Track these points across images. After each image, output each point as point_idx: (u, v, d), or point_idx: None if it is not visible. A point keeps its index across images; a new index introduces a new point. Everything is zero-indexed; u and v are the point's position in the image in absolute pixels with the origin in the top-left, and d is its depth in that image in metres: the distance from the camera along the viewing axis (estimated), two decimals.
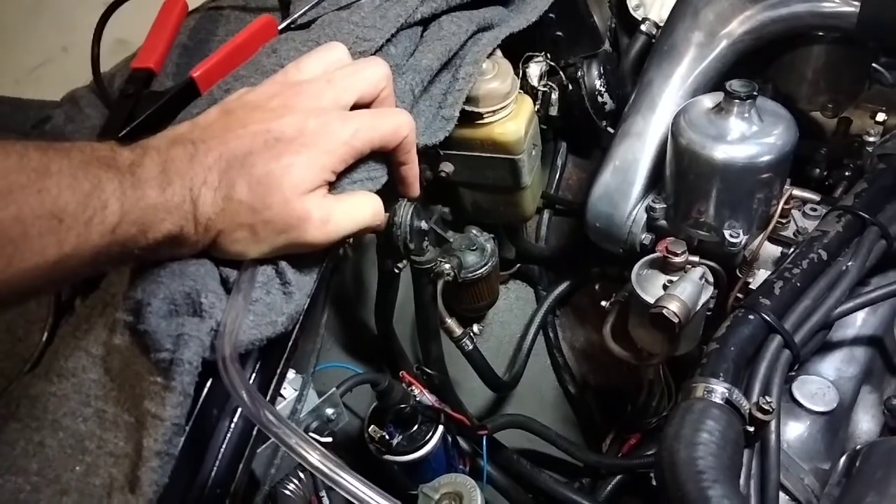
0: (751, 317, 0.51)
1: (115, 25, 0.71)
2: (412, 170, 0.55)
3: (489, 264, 0.82)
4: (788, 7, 0.71)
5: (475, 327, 0.95)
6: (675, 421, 0.44)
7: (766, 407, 0.45)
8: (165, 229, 0.42)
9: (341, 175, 0.50)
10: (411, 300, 0.76)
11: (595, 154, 1.02)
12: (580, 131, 0.97)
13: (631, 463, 0.86)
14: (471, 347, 0.76)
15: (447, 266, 0.73)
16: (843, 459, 0.51)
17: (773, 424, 0.45)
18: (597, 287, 0.97)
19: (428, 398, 0.72)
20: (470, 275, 0.80)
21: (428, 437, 0.71)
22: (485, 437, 0.78)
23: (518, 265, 1.02)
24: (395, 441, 0.70)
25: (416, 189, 0.57)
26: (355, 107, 0.51)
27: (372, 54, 0.59)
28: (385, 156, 0.53)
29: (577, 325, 1.02)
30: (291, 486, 0.56)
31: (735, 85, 0.65)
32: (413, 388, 0.72)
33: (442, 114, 0.62)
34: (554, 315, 1.02)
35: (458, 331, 0.75)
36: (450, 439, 0.75)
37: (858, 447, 0.51)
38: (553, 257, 1.02)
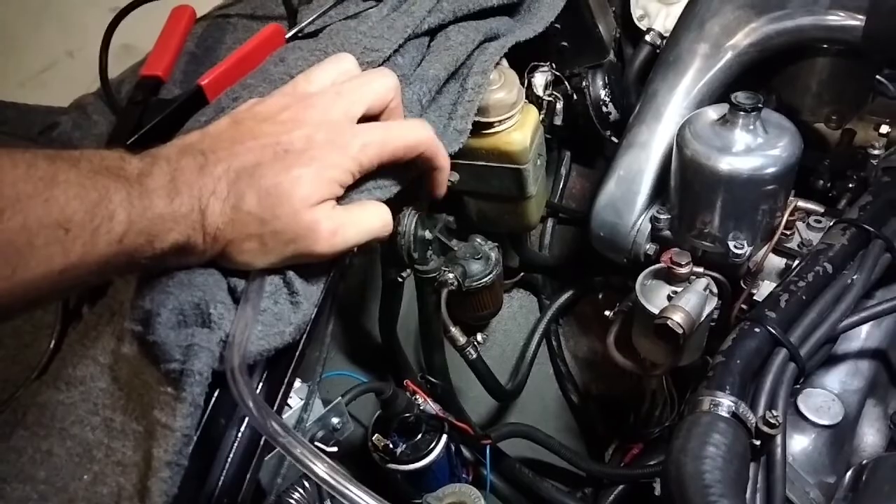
0: (756, 330, 0.51)
1: (121, 30, 0.71)
2: (443, 174, 0.55)
3: (493, 273, 0.82)
4: (793, 20, 0.72)
5: (479, 336, 0.95)
6: (681, 434, 0.44)
7: (773, 421, 0.45)
8: (173, 239, 0.42)
9: (350, 186, 0.50)
10: (415, 309, 0.76)
11: (599, 163, 1.02)
12: (584, 141, 0.97)
13: (633, 473, 0.86)
14: (474, 356, 0.77)
15: (451, 276, 0.73)
16: (849, 473, 0.51)
17: (779, 438, 0.45)
18: (600, 296, 0.97)
19: (432, 407, 0.72)
20: (474, 283, 0.80)
21: (432, 445, 0.71)
22: (488, 447, 0.78)
23: (522, 274, 1.02)
24: (398, 450, 0.70)
25: (442, 190, 0.57)
26: (364, 118, 0.51)
27: (379, 64, 0.59)
28: (406, 165, 0.52)
29: (580, 335, 1.03)
30: (296, 496, 0.56)
31: (740, 97, 0.65)
32: (417, 396, 0.72)
33: (454, 125, 0.63)
34: (557, 324, 1.02)
35: (462, 340, 0.75)
36: (453, 448, 0.75)
37: (865, 461, 0.51)
38: (557, 266, 1.02)
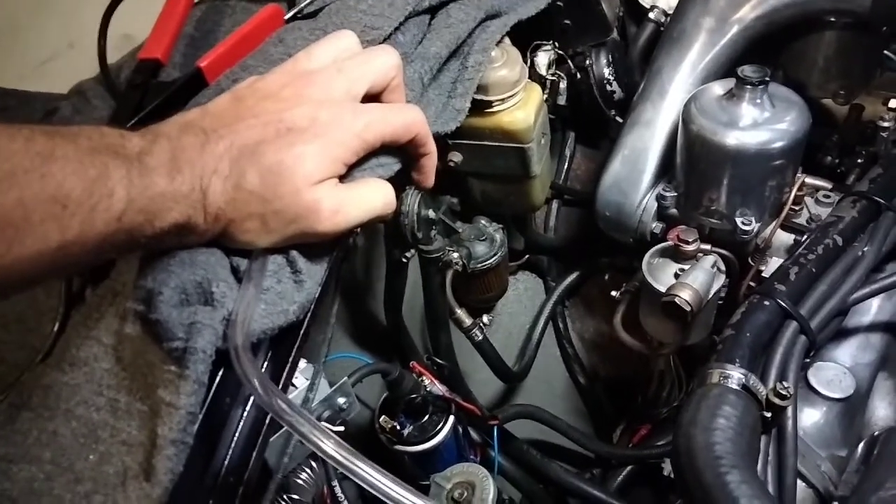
0: (766, 303, 0.51)
1: (121, 20, 0.71)
2: (430, 160, 0.55)
3: (498, 255, 0.81)
4: None
5: (485, 318, 0.95)
6: (691, 406, 0.44)
7: (784, 392, 0.44)
8: (173, 218, 0.42)
9: (352, 165, 0.49)
10: (420, 290, 0.75)
11: (603, 144, 1.01)
12: (588, 121, 0.96)
13: (641, 453, 0.85)
14: (481, 338, 0.76)
15: (455, 255, 0.73)
16: (861, 446, 0.51)
17: (789, 410, 0.45)
18: (606, 277, 0.96)
19: (438, 388, 0.72)
20: (479, 265, 0.80)
21: (439, 427, 0.71)
22: (495, 428, 0.77)
23: (527, 256, 1.01)
24: (406, 431, 0.70)
25: (430, 180, 0.56)
26: (366, 96, 0.51)
27: (380, 43, 0.59)
28: (400, 147, 0.52)
29: (586, 316, 1.02)
30: (304, 475, 0.56)
31: (747, 71, 0.64)
32: (423, 378, 0.72)
33: (453, 104, 0.62)
34: (563, 306, 1.02)
35: (467, 321, 0.75)
36: (460, 429, 0.75)
37: (877, 433, 0.51)
38: (562, 247, 1.01)
